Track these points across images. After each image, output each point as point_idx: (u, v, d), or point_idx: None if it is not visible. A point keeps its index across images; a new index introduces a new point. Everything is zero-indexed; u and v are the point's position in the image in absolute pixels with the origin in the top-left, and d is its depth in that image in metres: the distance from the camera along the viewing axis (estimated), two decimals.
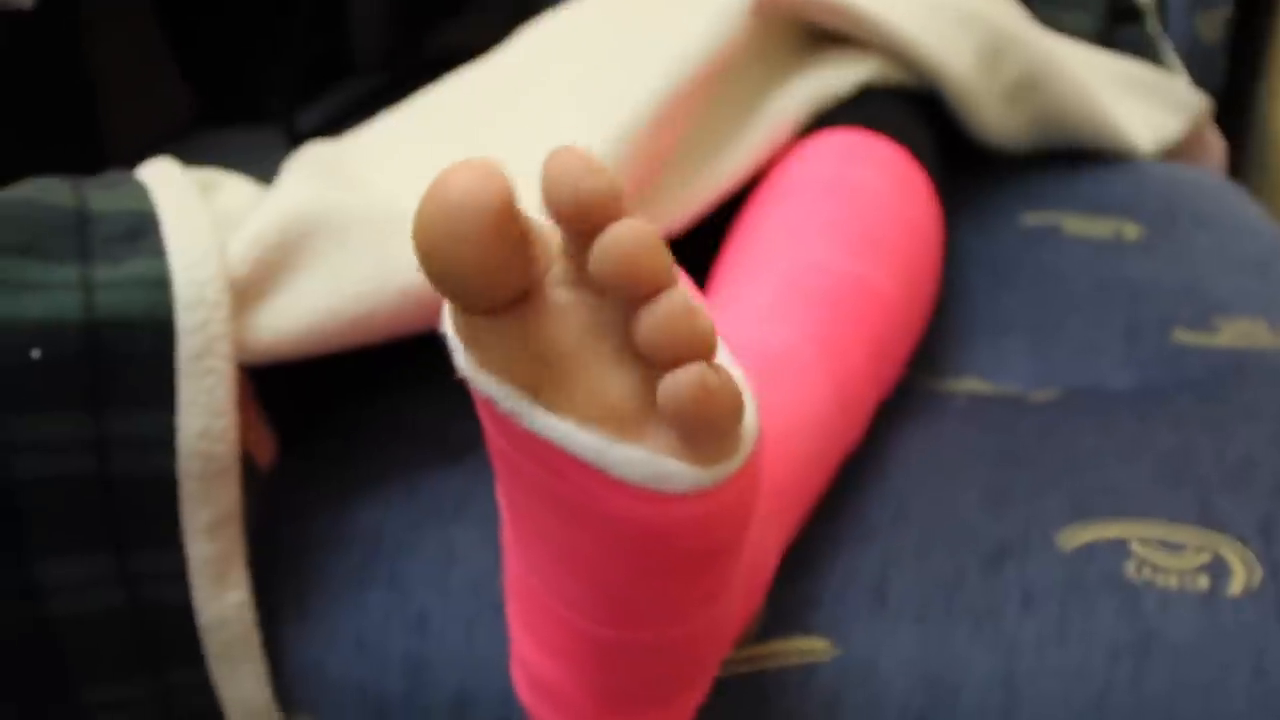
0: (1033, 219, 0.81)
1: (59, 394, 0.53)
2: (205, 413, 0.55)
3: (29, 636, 0.55)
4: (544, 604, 0.47)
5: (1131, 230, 0.80)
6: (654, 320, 0.35)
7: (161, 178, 0.60)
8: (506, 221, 0.34)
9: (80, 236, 0.56)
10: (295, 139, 1.32)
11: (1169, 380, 0.70)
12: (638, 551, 0.40)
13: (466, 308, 0.37)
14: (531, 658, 0.49)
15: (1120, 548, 0.58)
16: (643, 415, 0.38)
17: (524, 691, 0.50)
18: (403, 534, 0.61)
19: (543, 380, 0.38)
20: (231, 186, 0.65)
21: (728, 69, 0.70)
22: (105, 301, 0.54)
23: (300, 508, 0.63)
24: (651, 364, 0.36)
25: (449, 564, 0.60)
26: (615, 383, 0.38)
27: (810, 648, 0.56)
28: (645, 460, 0.37)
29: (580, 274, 0.38)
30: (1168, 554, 0.58)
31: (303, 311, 0.58)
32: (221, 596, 0.57)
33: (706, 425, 0.36)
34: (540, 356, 0.38)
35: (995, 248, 0.79)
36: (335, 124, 1.22)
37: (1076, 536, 0.59)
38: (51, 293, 0.54)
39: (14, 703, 0.56)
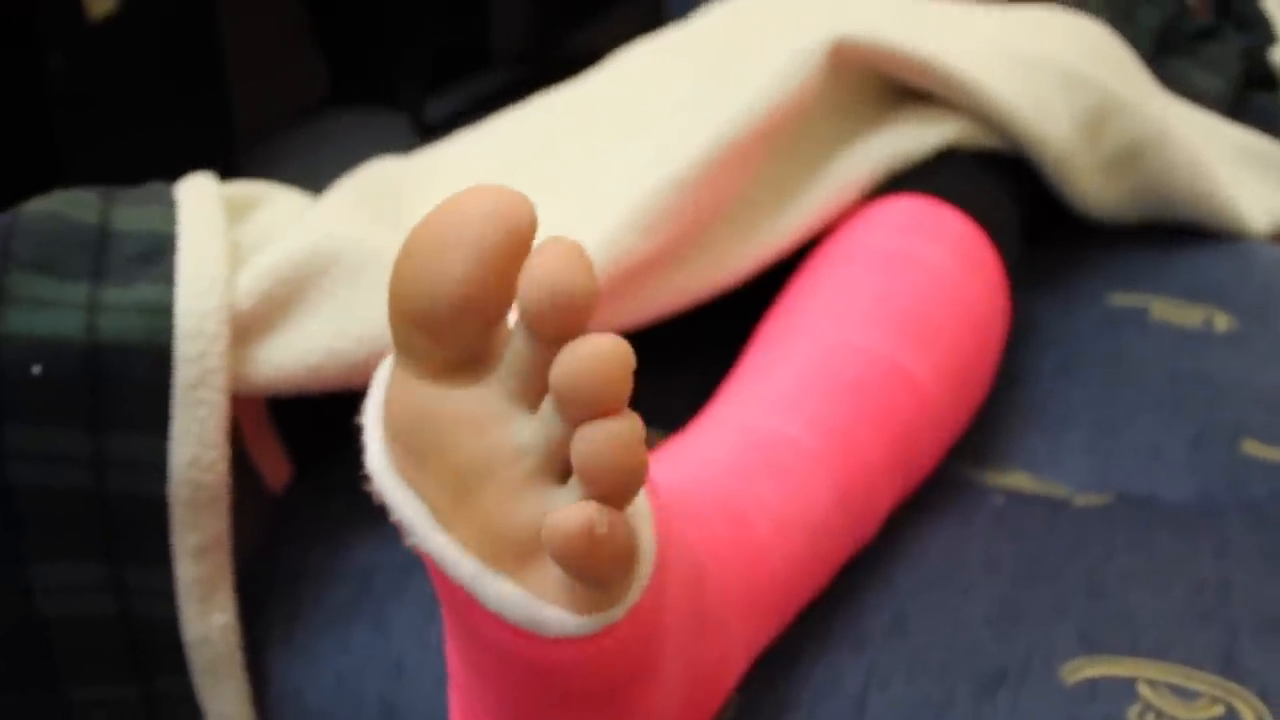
0: (1119, 300, 0.75)
1: (58, 409, 0.53)
2: (196, 442, 0.54)
3: (21, 634, 0.56)
4: (465, 698, 0.45)
5: (1223, 320, 0.73)
6: (600, 442, 0.33)
7: (195, 197, 0.59)
8: (523, 237, 0.33)
9: (97, 255, 0.56)
10: (422, 127, 1.32)
11: (1228, 497, 0.63)
12: (522, 682, 0.38)
13: (432, 335, 0.34)
14: None
15: (1127, 688, 0.53)
16: (537, 544, 0.36)
17: None
18: (394, 576, 0.60)
19: (455, 491, 0.36)
20: (280, 203, 0.64)
21: (797, 121, 0.66)
22: (108, 325, 0.54)
23: (300, 535, 0.62)
24: (580, 484, 0.34)
25: (432, 615, 0.58)
26: (520, 507, 0.35)
27: None
28: (519, 601, 0.35)
29: (517, 381, 0.35)
30: (1178, 701, 0.52)
31: (304, 350, 0.57)
32: (206, 617, 0.57)
33: (586, 573, 0.34)
34: (457, 465, 0.36)
35: (1073, 329, 0.73)
36: (464, 116, 1.21)
37: (1082, 670, 0.54)
38: (58, 311, 0.54)
39: (4, 694, 0.57)
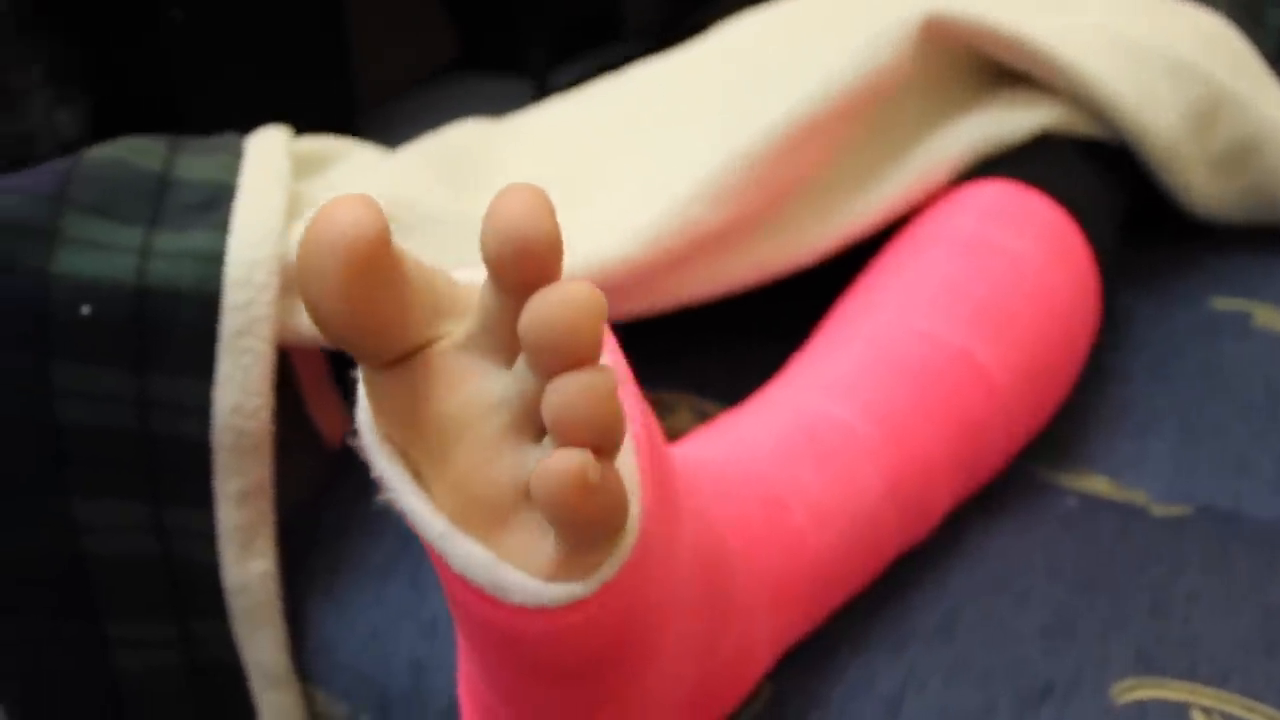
0: (1221, 304, 0.70)
1: (106, 350, 0.53)
2: (239, 389, 0.54)
3: (64, 568, 0.56)
4: (465, 667, 0.43)
5: None
6: (572, 394, 0.30)
7: (263, 149, 0.59)
8: (371, 261, 0.30)
9: (156, 201, 0.55)
10: (545, 95, 1.31)
11: None
12: (497, 651, 0.36)
13: (353, 353, 0.33)
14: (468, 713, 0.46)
15: (1179, 713, 0.49)
16: (514, 505, 0.34)
17: None
18: None
19: (432, 449, 0.34)
20: (355, 159, 0.63)
21: (885, 99, 0.63)
22: (158, 269, 0.53)
23: (348, 491, 0.61)
24: (553, 440, 0.32)
25: None
26: (494, 464, 0.33)
27: None
28: (483, 563, 0.33)
29: (488, 337, 0.33)
30: None
31: None
32: (246, 563, 0.56)
33: (576, 525, 0.31)
34: (429, 424, 0.34)
35: (1169, 331, 0.69)
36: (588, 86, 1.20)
37: (1134, 690, 0.50)
38: (111, 254, 0.53)
39: (44, 624, 0.57)
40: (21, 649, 0.57)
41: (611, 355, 0.37)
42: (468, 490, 0.33)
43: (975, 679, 0.51)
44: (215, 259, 0.54)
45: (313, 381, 0.63)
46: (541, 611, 0.34)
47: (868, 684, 0.52)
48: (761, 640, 0.47)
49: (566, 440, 0.30)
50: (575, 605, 0.34)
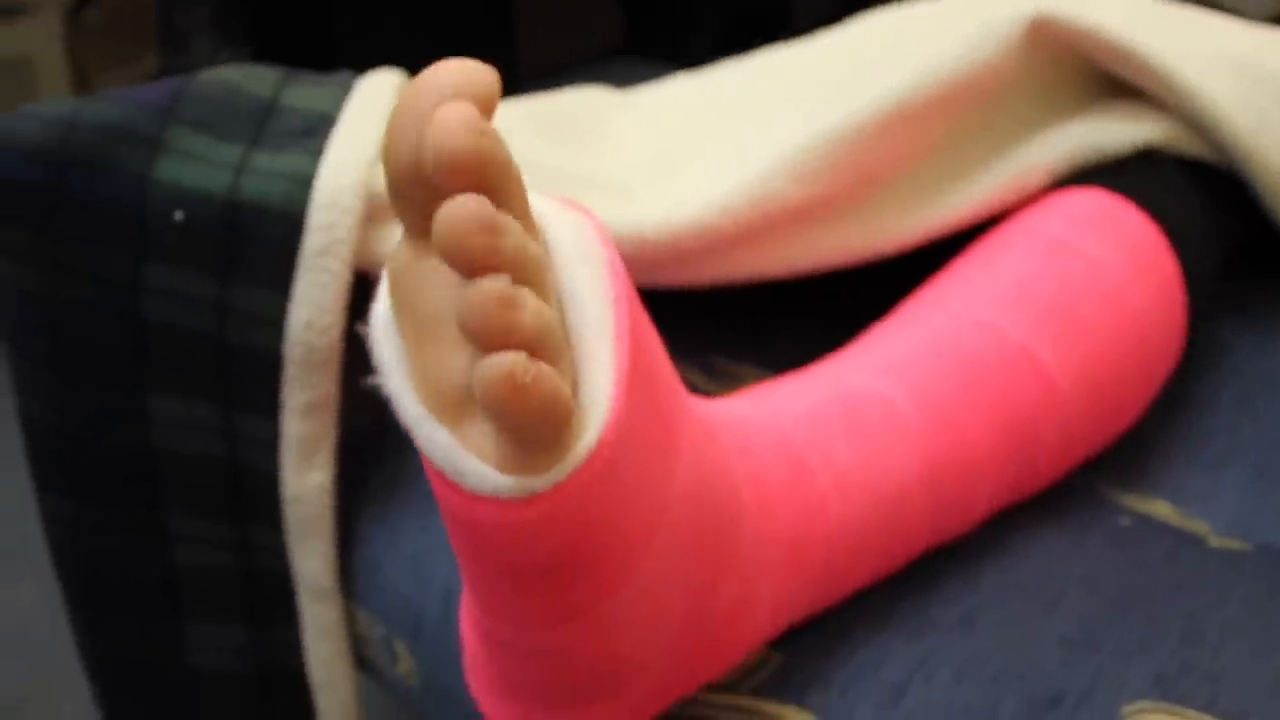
0: None
1: (194, 255, 0.56)
2: (315, 306, 0.55)
3: (133, 457, 0.59)
4: (464, 586, 0.44)
5: None
6: (469, 301, 0.31)
7: (371, 87, 0.61)
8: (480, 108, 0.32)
9: (259, 124, 0.58)
10: None
11: None
12: (465, 543, 0.37)
13: (408, 200, 0.34)
14: (464, 627, 0.46)
15: None
16: (470, 401, 0.34)
17: (465, 657, 0.48)
18: None
19: (419, 341, 0.35)
20: None
21: (984, 96, 0.61)
22: (250, 185, 0.56)
23: None
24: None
25: None
26: (457, 360, 0.34)
27: (792, 718, 0.50)
28: (445, 447, 0.34)
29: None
30: None
31: None
32: (305, 475, 0.58)
33: (509, 422, 0.32)
34: (424, 313, 0.35)
35: (1265, 364, 0.65)
36: None
37: (1145, 714, 0.48)
38: (209, 167, 0.56)
39: (110, 511, 0.60)
40: (87, 533, 0.60)
41: (608, 278, 0.37)
42: (439, 380, 0.34)
43: (986, 678, 0.49)
44: (305, 181, 0.56)
45: None
46: (496, 501, 0.34)
47: (875, 667, 0.50)
48: (766, 599, 0.47)
49: (472, 340, 0.31)
50: (529, 500, 0.34)
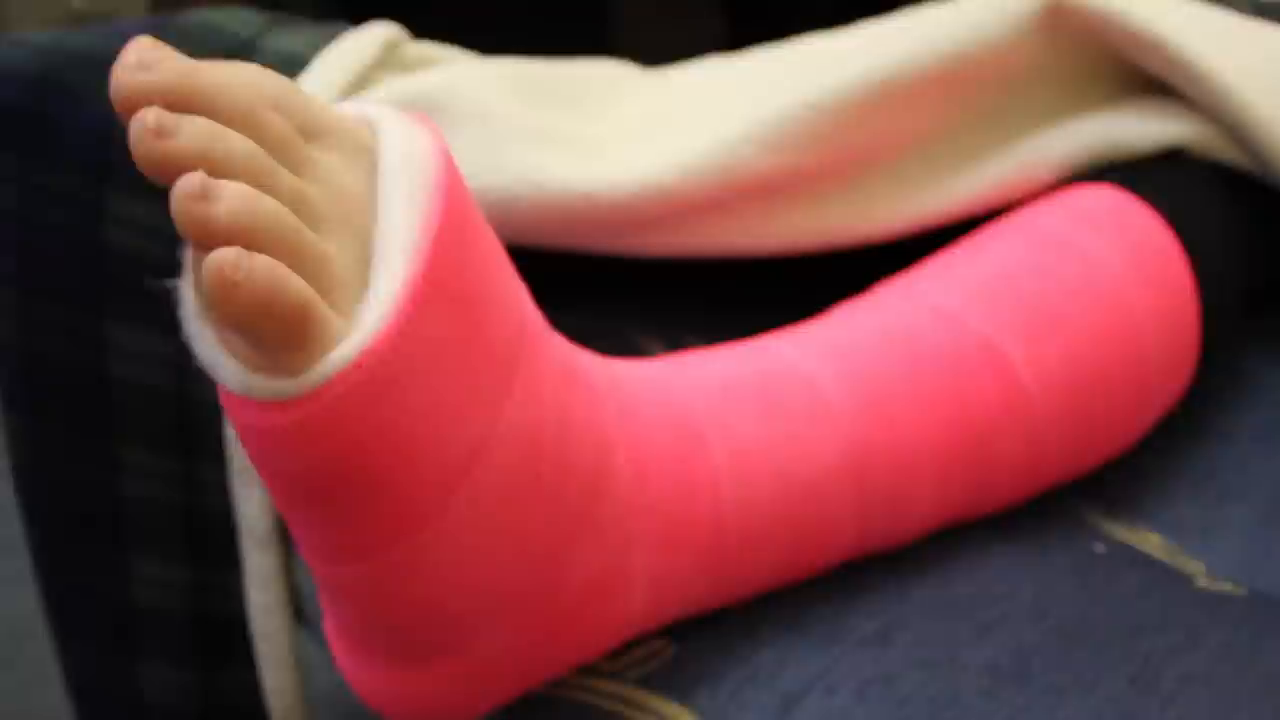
0: None
1: (152, 185, 0.54)
2: None
3: (86, 379, 0.57)
4: None
5: None
6: (172, 198, 0.29)
7: (357, 37, 0.58)
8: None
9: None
10: None
11: None
12: (246, 450, 0.34)
13: None
14: None
15: None
16: None
17: None
18: None
19: None
20: (454, 62, 0.62)
21: (990, 78, 0.55)
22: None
23: None
24: None
25: None
26: None
27: (673, 716, 0.44)
28: (205, 342, 0.32)
29: None
30: None
31: None
32: None
33: (228, 321, 0.29)
34: None
35: None
36: None
37: None
38: None
39: (63, 433, 0.59)
40: (43, 453, 0.59)
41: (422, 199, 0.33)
42: None
43: (892, 700, 0.43)
44: None
45: None
46: (253, 404, 0.31)
47: (773, 673, 0.44)
48: (640, 577, 0.41)
49: (185, 238, 0.30)
50: (283, 405, 0.31)
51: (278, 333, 0.30)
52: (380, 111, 0.36)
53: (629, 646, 0.45)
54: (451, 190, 0.34)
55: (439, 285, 0.33)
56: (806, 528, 0.45)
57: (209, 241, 0.29)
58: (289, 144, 0.33)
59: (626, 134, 0.59)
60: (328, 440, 0.32)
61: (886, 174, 0.56)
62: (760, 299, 0.62)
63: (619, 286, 0.61)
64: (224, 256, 0.28)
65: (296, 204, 0.32)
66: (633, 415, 0.42)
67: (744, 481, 0.43)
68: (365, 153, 0.34)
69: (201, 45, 0.56)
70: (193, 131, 0.30)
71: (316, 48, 0.56)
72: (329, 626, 0.42)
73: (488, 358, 0.35)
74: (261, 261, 0.29)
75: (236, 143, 0.31)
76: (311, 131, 0.34)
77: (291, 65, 0.55)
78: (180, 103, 0.30)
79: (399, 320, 0.32)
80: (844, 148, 0.54)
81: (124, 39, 0.55)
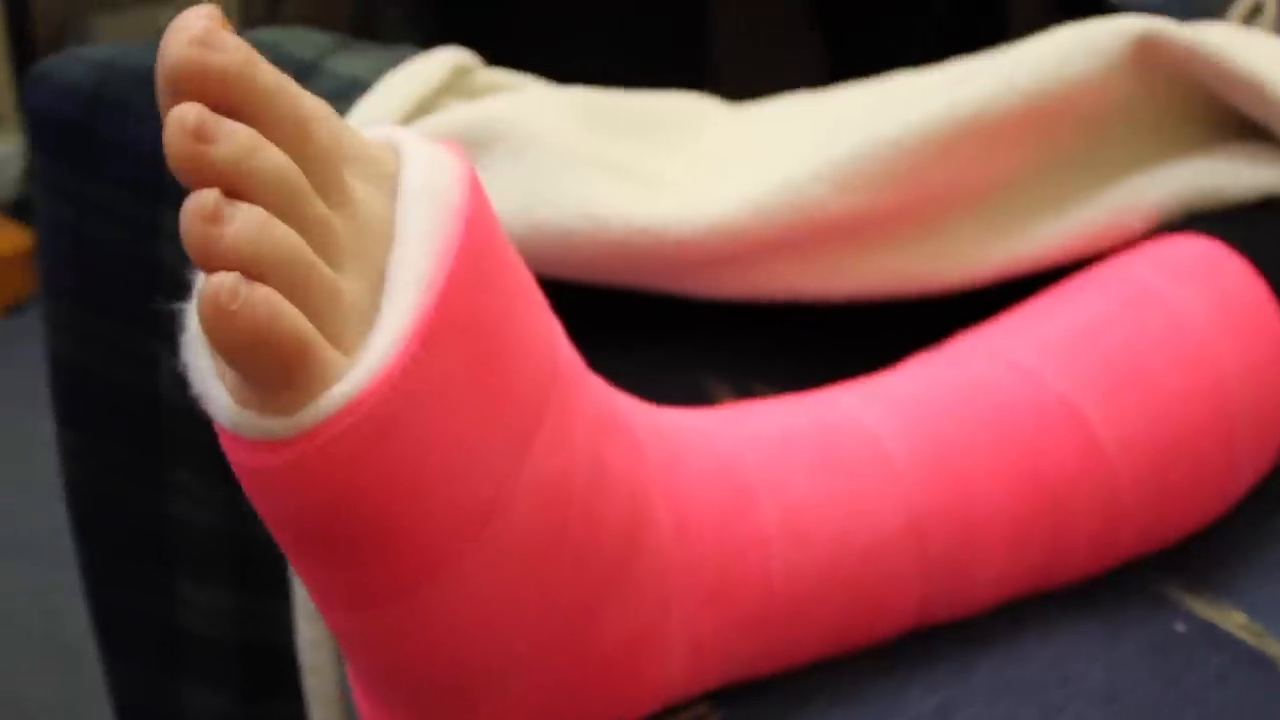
0: None
1: None
2: None
3: (137, 398, 0.57)
4: None
5: None
6: (182, 212, 0.28)
7: (424, 61, 0.56)
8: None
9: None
10: None
11: None
12: (238, 477, 0.32)
13: None
14: None
15: None
16: None
17: None
18: None
19: None
20: (523, 90, 0.60)
21: (1079, 118, 0.51)
22: None
23: None
24: None
25: None
26: None
27: None
28: (200, 370, 0.30)
29: None
30: None
31: None
32: None
33: (223, 352, 0.28)
34: None
35: None
36: None
37: None
38: None
39: (110, 449, 0.58)
40: (93, 469, 0.58)
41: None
42: None
43: None
44: None
45: None
46: (244, 442, 0.30)
47: None
48: (679, 639, 0.39)
49: (191, 257, 0.28)
50: (273, 445, 0.29)
51: (270, 369, 0.28)
52: (405, 137, 0.34)
53: (670, 711, 0.42)
54: (474, 221, 0.32)
55: (453, 321, 0.31)
56: (864, 593, 0.42)
57: (211, 265, 0.27)
58: (330, 166, 0.31)
59: (699, 168, 0.56)
60: (322, 485, 0.30)
61: (967, 218, 0.52)
62: (836, 348, 0.59)
63: (689, 327, 0.59)
64: (221, 282, 0.27)
65: (320, 234, 0.30)
66: (677, 467, 0.39)
67: (797, 541, 0.40)
68: (389, 179, 0.33)
69: None
70: (233, 143, 0.28)
71: (380, 72, 0.55)
72: (349, 670, 0.40)
73: (509, 401, 0.33)
74: (260, 293, 0.27)
75: (273, 160, 0.29)
76: (342, 155, 0.32)
77: (353, 89, 0.54)
78: (234, 97, 0.28)
79: (403, 359, 0.30)
80: (922, 189, 0.51)
81: None
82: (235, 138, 0.28)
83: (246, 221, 0.28)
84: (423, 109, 0.54)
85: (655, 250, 0.51)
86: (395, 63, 0.56)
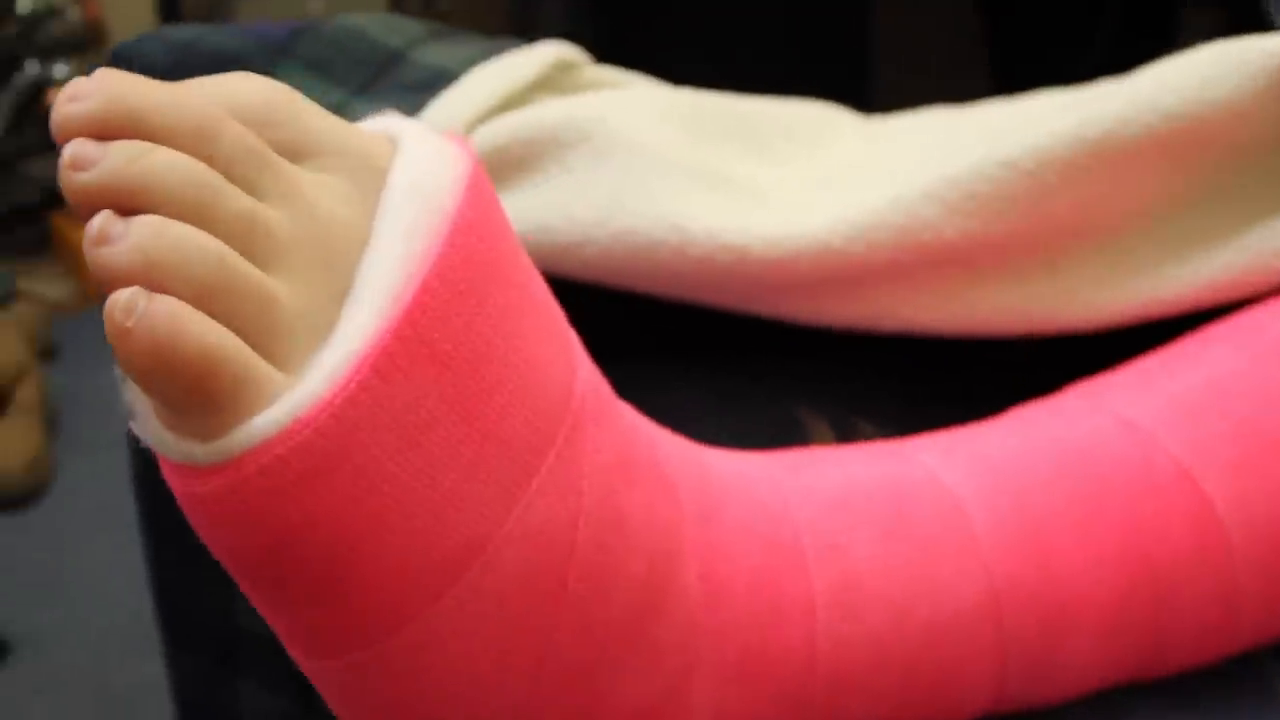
0: None
1: None
2: None
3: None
4: None
5: None
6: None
7: (522, 55, 0.53)
8: None
9: (376, 74, 0.52)
10: None
11: None
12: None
13: None
14: None
15: None
16: None
17: None
18: None
19: None
20: (628, 88, 0.56)
21: (1224, 147, 0.45)
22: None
23: None
24: None
25: None
26: None
27: None
28: (132, 389, 0.27)
29: None
30: None
31: (515, 215, 0.49)
32: None
33: (126, 370, 0.25)
34: None
35: None
36: None
37: None
38: None
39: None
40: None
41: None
42: None
43: None
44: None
45: None
46: (173, 465, 0.27)
47: None
48: (700, 710, 0.34)
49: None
50: (199, 472, 0.26)
51: (178, 391, 0.25)
52: (407, 129, 0.30)
53: None
54: (466, 228, 0.29)
55: (422, 342, 0.27)
56: (926, 677, 0.37)
57: (110, 286, 0.25)
58: (251, 160, 0.28)
59: (809, 182, 0.52)
60: (254, 520, 0.27)
61: (1092, 253, 0.47)
62: (949, 387, 0.54)
63: (785, 352, 0.54)
64: (115, 300, 0.25)
65: (245, 232, 0.27)
66: (718, 519, 0.35)
67: (848, 614, 0.35)
68: (378, 176, 0.29)
69: (342, 53, 0.52)
70: (111, 155, 0.26)
71: (470, 64, 0.52)
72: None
73: (498, 438, 0.29)
74: (160, 306, 0.25)
75: (165, 159, 0.26)
76: (306, 149, 0.29)
77: (438, 80, 0.51)
78: (112, 130, 0.26)
79: (349, 384, 0.26)
80: (1045, 217, 0.46)
81: (260, 39, 0.52)
82: (112, 150, 0.26)
83: (138, 231, 0.25)
84: (510, 105, 0.51)
85: (741, 269, 0.47)
86: (489, 55, 0.53)
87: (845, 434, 0.52)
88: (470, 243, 0.28)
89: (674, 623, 0.33)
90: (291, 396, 0.26)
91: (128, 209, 0.26)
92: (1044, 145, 0.44)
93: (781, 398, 0.52)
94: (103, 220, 0.25)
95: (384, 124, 0.31)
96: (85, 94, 0.26)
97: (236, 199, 0.27)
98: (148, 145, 0.26)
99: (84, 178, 0.25)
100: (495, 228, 0.30)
